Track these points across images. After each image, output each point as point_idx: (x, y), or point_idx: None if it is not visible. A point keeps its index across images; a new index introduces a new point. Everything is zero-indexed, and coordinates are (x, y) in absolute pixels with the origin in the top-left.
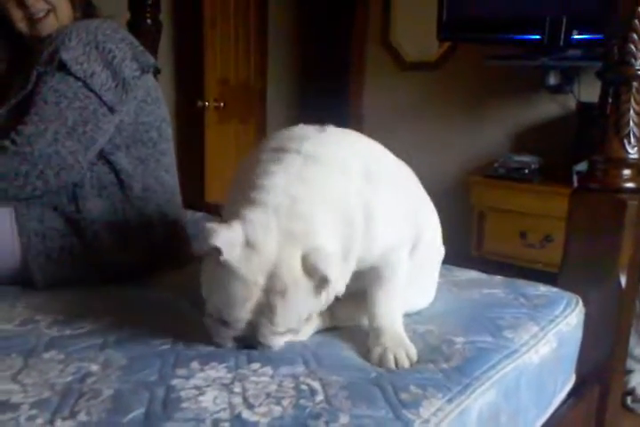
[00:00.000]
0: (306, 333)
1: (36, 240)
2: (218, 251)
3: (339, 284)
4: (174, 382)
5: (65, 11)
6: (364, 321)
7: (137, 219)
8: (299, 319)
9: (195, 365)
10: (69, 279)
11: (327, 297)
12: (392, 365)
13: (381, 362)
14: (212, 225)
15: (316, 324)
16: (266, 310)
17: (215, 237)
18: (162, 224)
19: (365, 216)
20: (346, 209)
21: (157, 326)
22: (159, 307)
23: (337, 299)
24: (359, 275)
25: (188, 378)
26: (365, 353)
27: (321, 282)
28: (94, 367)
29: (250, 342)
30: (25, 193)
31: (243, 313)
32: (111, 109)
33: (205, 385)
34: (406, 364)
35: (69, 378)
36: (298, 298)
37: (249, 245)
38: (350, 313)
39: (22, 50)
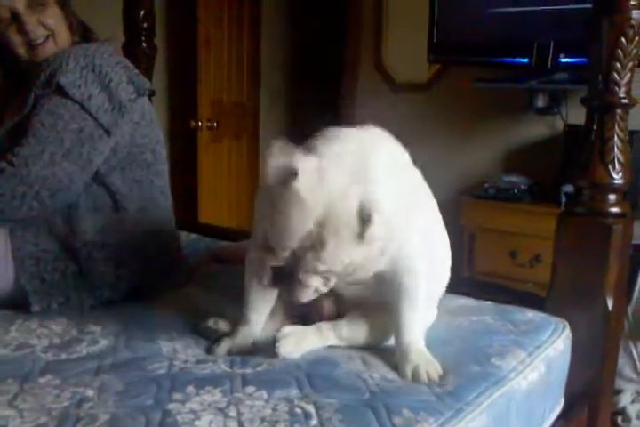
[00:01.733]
0: (299, 351)
1: (30, 263)
2: (293, 175)
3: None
4: (170, 406)
5: (64, 36)
6: (365, 342)
7: (131, 240)
8: (340, 263)
9: (190, 389)
10: (64, 302)
11: (364, 254)
12: (425, 380)
13: (414, 377)
14: (288, 147)
15: (312, 342)
16: (316, 243)
17: (295, 161)
18: (156, 245)
19: (404, 210)
20: (398, 189)
21: (153, 350)
22: (155, 329)
23: (340, 318)
24: (378, 288)
25: (183, 402)
26: (394, 369)
27: (367, 232)
28: (90, 392)
29: (288, 277)
30: (21, 214)
31: (292, 241)
32: (107, 132)
33: (201, 409)
34: (436, 378)
35: (66, 403)
36: (346, 239)
37: (320, 176)
38: (353, 333)
39: (18, 73)
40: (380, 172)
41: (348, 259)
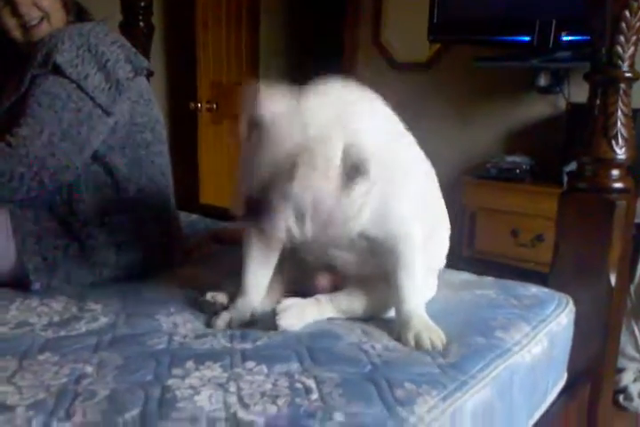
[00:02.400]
0: (300, 323)
1: (31, 241)
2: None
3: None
4: (170, 381)
5: (58, 16)
6: (364, 313)
7: (131, 219)
8: (310, 198)
9: (190, 364)
10: (64, 280)
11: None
12: (429, 346)
13: (417, 344)
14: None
15: (312, 314)
16: (289, 170)
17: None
18: (156, 225)
19: (400, 165)
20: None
21: (152, 326)
22: (155, 306)
23: (339, 290)
24: (374, 259)
25: (183, 378)
26: (397, 337)
27: (352, 172)
28: (89, 368)
29: (260, 205)
30: (20, 194)
31: (264, 167)
32: (105, 111)
33: (201, 385)
34: (439, 345)
35: (64, 380)
36: (321, 174)
37: (300, 111)
38: (352, 305)
39: (14, 55)
40: (367, 122)
41: (319, 194)
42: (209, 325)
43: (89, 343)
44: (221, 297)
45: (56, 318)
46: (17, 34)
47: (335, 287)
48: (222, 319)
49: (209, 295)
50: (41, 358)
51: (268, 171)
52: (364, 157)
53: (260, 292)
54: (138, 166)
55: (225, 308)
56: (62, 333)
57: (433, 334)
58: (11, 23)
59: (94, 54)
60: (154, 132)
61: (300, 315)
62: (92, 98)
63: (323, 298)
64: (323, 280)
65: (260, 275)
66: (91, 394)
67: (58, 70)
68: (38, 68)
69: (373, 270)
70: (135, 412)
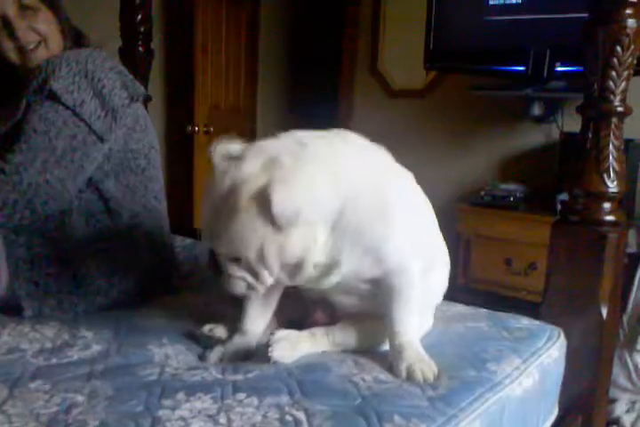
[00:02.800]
0: (293, 356)
1: (24, 267)
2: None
3: (295, 236)
4: (160, 413)
5: (56, 41)
6: (359, 347)
7: (125, 246)
8: (247, 248)
9: (181, 395)
10: (56, 307)
11: (282, 239)
12: (420, 378)
13: (409, 376)
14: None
15: (306, 347)
16: (218, 226)
17: (215, 149)
18: (150, 250)
19: (379, 204)
20: (351, 182)
21: (145, 357)
22: (147, 337)
23: (334, 324)
24: (370, 294)
25: (173, 409)
26: (389, 368)
27: (266, 212)
28: (80, 398)
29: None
30: (13, 222)
31: (204, 220)
32: (100, 138)
33: (191, 416)
34: (431, 377)
35: (55, 409)
36: (247, 222)
37: (239, 163)
38: (347, 339)
39: (11, 79)
40: (315, 163)
41: (257, 243)
42: (201, 358)
43: (81, 372)
44: (219, 331)
45: (48, 345)
46: (13, 56)
47: (332, 321)
48: (215, 354)
49: (207, 328)
50: (32, 385)
51: (205, 224)
52: (275, 200)
53: (259, 330)
54: (132, 192)
55: (221, 342)
56: (54, 360)
57: (425, 366)
58: (8, 46)
59: (90, 80)
60: (148, 158)
61: (293, 347)
62: (87, 124)
63: (318, 332)
64: (321, 314)
65: (260, 314)
66: (81, 424)
67: (53, 97)
68: (34, 94)
69: (372, 307)
70: None
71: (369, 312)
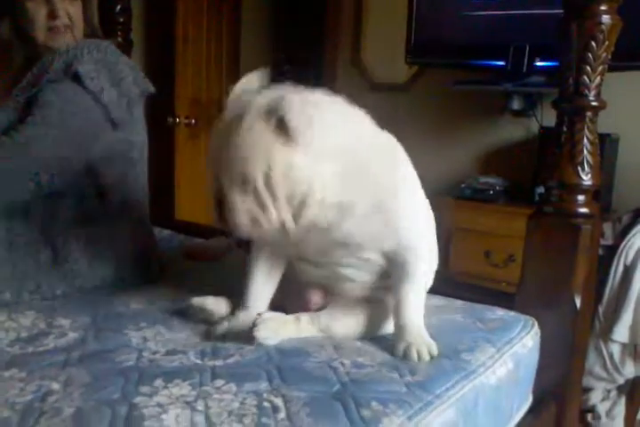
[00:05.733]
0: (276, 338)
1: (2, 247)
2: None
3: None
4: (137, 399)
5: (80, 29)
6: (343, 335)
7: (109, 232)
8: (255, 166)
9: (159, 382)
10: (36, 291)
11: (292, 159)
12: (415, 358)
13: (405, 355)
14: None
15: (290, 331)
16: (226, 147)
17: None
18: (133, 239)
19: (392, 162)
20: (364, 131)
21: (122, 341)
22: (125, 319)
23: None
24: (381, 280)
25: (151, 396)
26: (390, 349)
27: (279, 124)
28: (56, 386)
29: (221, 203)
30: (14, 194)
31: (212, 148)
32: (114, 125)
33: (168, 403)
34: (427, 357)
35: (30, 397)
36: (256, 139)
37: (244, 98)
38: (331, 327)
39: (30, 58)
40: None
41: (265, 161)
42: (207, 334)
43: (57, 360)
44: (210, 304)
45: (24, 334)
46: (40, 34)
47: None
48: (221, 329)
49: (196, 301)
50: (7, 374)
51: (214, 155)
52: (288, 109)
53: (262, 307)
54: (123, 182)
55: (212, 315)
56: (30, 349)
57: (422, 347)
58: (40, 24)
59: (109, 71)
60: (141, 152)
61: (277, 330)
62: (107, 111)
63: (303, 317)
64: (316, 298)
65: (263, 290)
66: (56, 412)
67: (78, 79)
68: (54, 74)
69: (371, 295)
70: None
71: (360, 302)
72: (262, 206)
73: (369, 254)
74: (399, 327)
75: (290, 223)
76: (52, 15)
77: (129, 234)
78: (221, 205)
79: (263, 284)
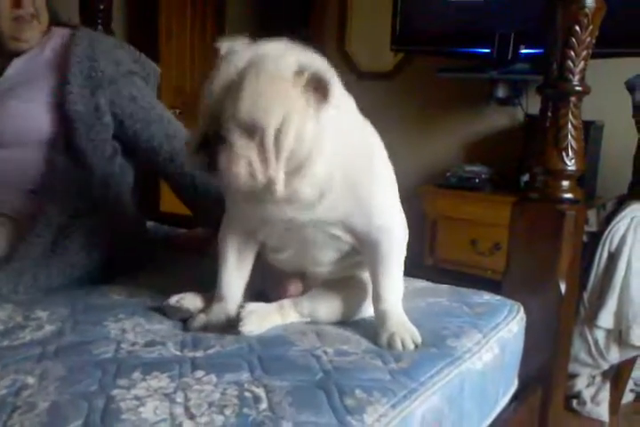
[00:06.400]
0: (262, 329)
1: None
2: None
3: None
4: (114, 392)
5: (45, 16)
6: (327, 318)
7: (105, 223)
8: (265, 112)
9: (137, 374)
10: (33, 284)
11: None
12: (400, 348)
13: (389, 345)
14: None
15: (275, 319)
16: (236, 87)
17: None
18: (123, 232)
19: (367, 152)
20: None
21: (101, 333)
22: (104, 311)
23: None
24: (352, 259)
25: (129, 388)
26: (373, 337)
27: (311, 87)
28: (31, 380)
29: (214, 143)
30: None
31: (214, 90)
32: None
33: (147, 395)
34: (411, 347)
35: (3, 391)
36: (271, 84)
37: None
38: (315, 310)
39: None
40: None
41: (283, 112)
42: (186, 327)
43: (32, 353)
44: (188, 301)
45: None
46: (5, 25)
47: (303, 293)
48: (198, 323)
49: (174, 300)
50: None
51: (216, 91)
52: (324, 70)
53: (238, 296)
54: (122, 172)
55: (191, 313)
56: (5, 342)
57: (406, 335)
58: (4, 13)
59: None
60: None
61: (262, 320)
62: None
63: (286, 303)
64: (293, 287)
65: (236, 279)
66: (30, 406)
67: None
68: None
69: (342, 274)
70: (77, 424)
71: (337, 281)
72: (263, 158)
73: (337, 231)
74: (379, 313)
75: (280, 184)
76: (17, 4)
77: (121, 226)
78: (212, 148)
79: (235, 273)
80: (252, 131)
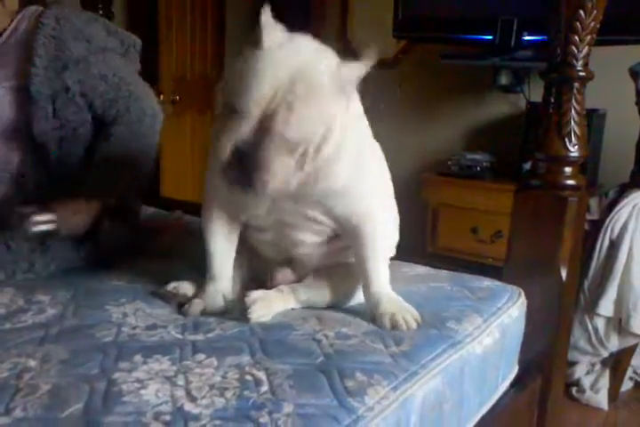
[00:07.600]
0: (270, 314)
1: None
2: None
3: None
4: (116, 375)
5: (12, 1)
6: (323, 304)
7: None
8: (312, 130)
9: (138, 357)
10: (29, 269)
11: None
12: (404, 327)
13: (393, 327)
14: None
15: (279, 305)
16: (284, 104)
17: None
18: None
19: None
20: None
21: (102, 316)
22: (106, 295)
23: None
24: (335, 243)
25: (130, 371)
26: (371, 320)
27: (344, 88)
28: (32, 362)
29: (252, 160)
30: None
31: (260, 95)
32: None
33: (148, 378)
34: (414, 325)
35: (5, 374)
36: (318, 98)
37: (289, 39)
38: (311, 297)
39: None
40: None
41: (321, 127)
42: (182, 312)
43: (34, 336)
44: (185, 287)
45: (1, 311)
46: None
47: (294, 281)
48: (195, 307)
49: (171, 286)
50: None
51: (262, 98)
52: (353, 70)
53: (229, 274)
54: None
55: (189, 298)
56: (7, 326)
57: (407, 315)
58: None
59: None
60: None
61: (268, 306)
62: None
63: (284, 288)
64: (280, 276)
65: (225, 259)
66: (32, 389)
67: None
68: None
69: (332, 260)
70: (78, 406)
71: (327, 267)
72: (299, 167)
73: (317, 214)
74: (371, 295)
75: (307, 185)
76: None
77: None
78: (247, 163)
79: (224, 253)
80: (295, 147)
